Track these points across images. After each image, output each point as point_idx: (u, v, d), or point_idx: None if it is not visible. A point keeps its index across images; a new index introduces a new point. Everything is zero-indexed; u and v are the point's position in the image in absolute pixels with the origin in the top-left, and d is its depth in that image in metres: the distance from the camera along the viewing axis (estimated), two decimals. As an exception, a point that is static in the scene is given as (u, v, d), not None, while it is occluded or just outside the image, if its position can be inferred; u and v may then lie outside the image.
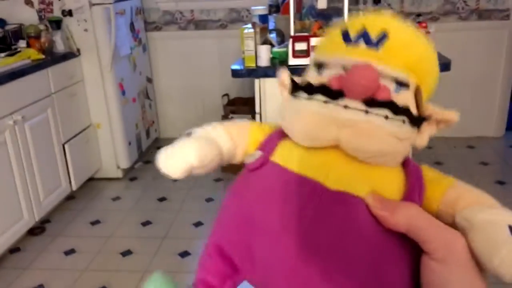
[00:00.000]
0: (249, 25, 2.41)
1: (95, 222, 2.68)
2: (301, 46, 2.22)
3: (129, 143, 3.20)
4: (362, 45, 0.43)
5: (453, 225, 0.39)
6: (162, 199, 2.91)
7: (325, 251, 0.40)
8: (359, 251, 0.39)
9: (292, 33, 2.24)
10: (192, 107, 3.81)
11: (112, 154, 3.14)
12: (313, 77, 0.45)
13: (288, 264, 0.40)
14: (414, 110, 0.43)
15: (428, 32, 2.26)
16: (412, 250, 0.39)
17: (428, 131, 0.44)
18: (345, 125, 0.40)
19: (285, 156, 0.45)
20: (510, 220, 0.37)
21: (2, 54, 2.51)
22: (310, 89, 0.43)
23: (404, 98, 0.42)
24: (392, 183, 0.42)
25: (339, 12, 2.32)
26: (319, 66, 0.45)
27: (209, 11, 3.58)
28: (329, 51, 0.46)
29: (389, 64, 0.42)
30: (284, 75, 0.48)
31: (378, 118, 0.40)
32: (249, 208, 0.44)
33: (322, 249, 0.40)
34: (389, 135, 0.41)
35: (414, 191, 0.42)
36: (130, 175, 3.25)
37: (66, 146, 2.76)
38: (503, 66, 3.46)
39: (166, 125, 3.89)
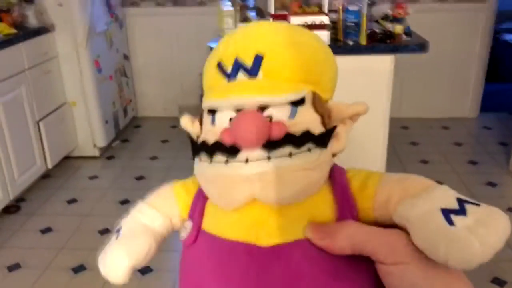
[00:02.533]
0: (228, 3, 2.38)
1: (71, 201, 2.65)
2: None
3: (106, 122, 3.15)
4: (241, 76, 0.41)
5: (396, 224, 0.39)
6: (140, 178, 2.89)
7: None
8: None
9: (272, 12, 2.22)
10: (170, 86, 3.76)
11: (88, 132, 3.09)
12: (208, 128, 0.43)
13: None
14: (317, 126, 0.41)
15: (407, 14, 2.27)
16: (367, 262, 0.39)
17: (343, 132, 0.43)
18: (253, 180, 0.39)
19: (215, 222, 0.44)
20: (442, 201, 0.37)
21: (-28, 28, 2.42)
22: (209, 150, 0.41)
23: (303, 121, 0.40)
24: (323, 209, 0.42)
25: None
26: (211, 111, 0.42)
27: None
28: (214, 91, 0.43)
29: (275, 89, 0.40)
30: (183, 122, 0.46)
31: (282, 160, 0.38)
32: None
33: None
34: (300, 171, 0.39)
35: (344, 208, 0.41)
36: (107, 154, 3.21)
37: (40, 124, 2.70)
38: (478, 48, 3.51)
39: (143, 104, 3.83)
